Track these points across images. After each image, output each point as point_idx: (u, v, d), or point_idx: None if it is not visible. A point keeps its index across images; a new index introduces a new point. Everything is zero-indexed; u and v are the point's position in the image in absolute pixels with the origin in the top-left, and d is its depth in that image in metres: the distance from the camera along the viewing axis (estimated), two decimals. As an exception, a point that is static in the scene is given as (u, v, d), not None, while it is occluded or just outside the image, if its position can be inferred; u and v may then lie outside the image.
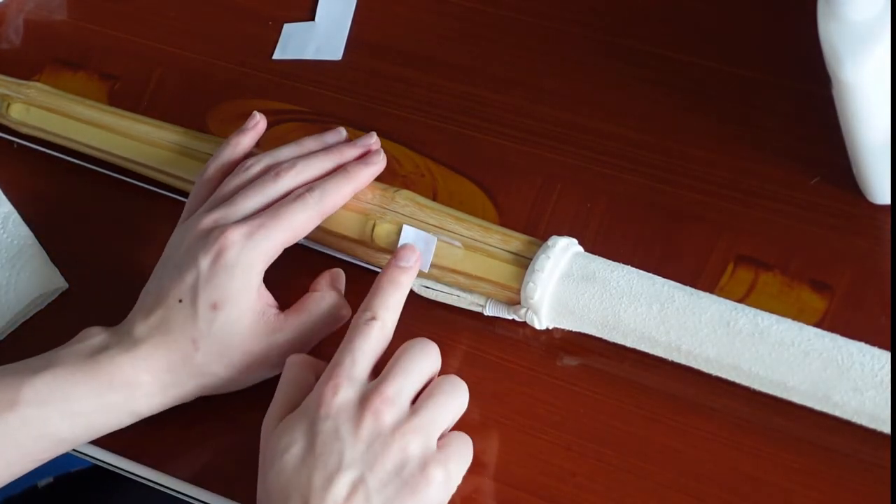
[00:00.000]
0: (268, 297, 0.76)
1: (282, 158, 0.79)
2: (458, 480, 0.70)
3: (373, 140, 0.81)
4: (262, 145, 0.83)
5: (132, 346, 0.74)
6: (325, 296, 0.77)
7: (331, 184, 0.77)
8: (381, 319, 0.71)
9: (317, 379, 0.71)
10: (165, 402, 0.75)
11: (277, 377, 0.76)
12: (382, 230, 0.77)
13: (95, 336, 0.76)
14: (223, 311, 0.74)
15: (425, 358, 0.71)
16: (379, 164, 0.79)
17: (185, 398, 0.76)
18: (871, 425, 0.66)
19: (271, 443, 0.69)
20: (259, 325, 0.75)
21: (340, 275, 0.79)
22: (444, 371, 0.74)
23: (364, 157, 0.80)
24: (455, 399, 0.71)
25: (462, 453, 0.71)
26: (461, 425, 0.72)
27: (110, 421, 0.75)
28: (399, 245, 0.76)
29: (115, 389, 0.74)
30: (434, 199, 0.81)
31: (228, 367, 0.75)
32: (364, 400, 0.68)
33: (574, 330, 0.74)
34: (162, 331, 0.74)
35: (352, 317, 0.76)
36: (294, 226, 0.75)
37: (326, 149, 0.80)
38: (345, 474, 0.66)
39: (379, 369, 0.71)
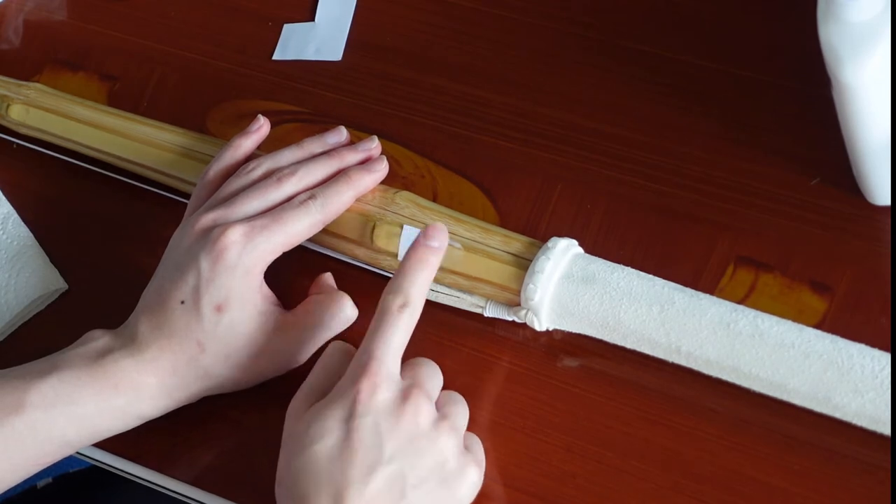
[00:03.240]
0: (271, 297, 0.76)
1: (283, 163, 0.79)
2: (480, 485, 0.71)
3: (374, 145, 0.81)
4: (262, 146, 0.83)
5: (137, 350, 0.74)
6: (332, 296, 0.77)
7: (332, 190, 0.77)
8: (411, 305, 0.69)
9: None
10: (171, 404, 0.75)
11: (280, 377, 0.77)
12: (382, 231, 0.77)
13: (99, 339, 0.76)
14: (228, 313, 0.74)
15: (437, 371, 0.72)
16: (381, 171, 0.79)
17: (190, 399, 0.76)
18: (872, 427, 0.66)
19: (299, 429, 0.69)
20: (267, 325, 0.75)
21: (331, 277, 0.79)
22: (444, 371, 0.74)
23: (366, 162, 0.80)
24: (466, 410, 0.72)
25: (483, 457, 0.72)
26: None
27: (116, 424, 0.75)
28: (401, 243, 0.76)
29: (121, 393, 0.74)
30: (434, 200, 0.81)
31: (235, 367, 0.75)
32: (405, 396, 0.68)
33: (574, 331, 0.74)
34: (166, 333, 0.74)
35: (358, 319, 0.76)
36: (295, 231, 0.75)
37: (328, 152, 0.80)
38: (384, 469, 0.66)
39: None
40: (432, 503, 0.67)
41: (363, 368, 0.68)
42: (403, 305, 0.69)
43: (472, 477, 0.69)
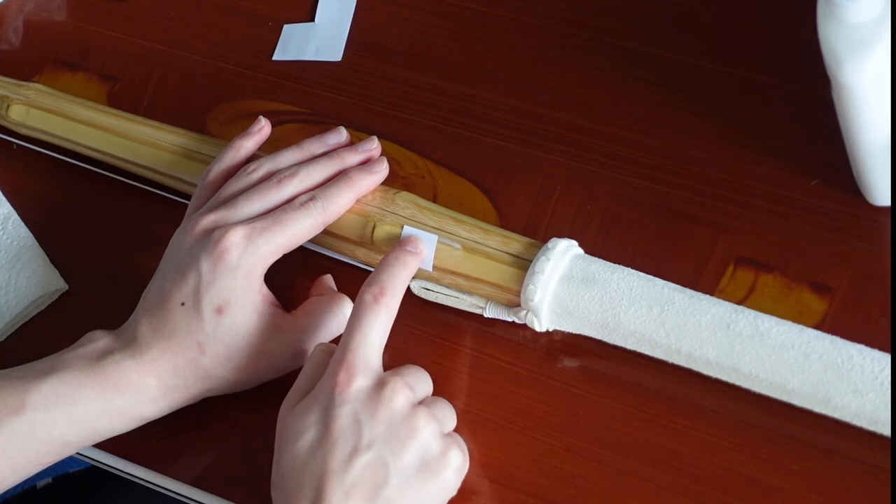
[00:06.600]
0: (271, 298, 0.76)
1: (284, 164, 0.79)
2: (466, 471, 0.71)
3: (374, 145, 0.81)
4: (263, 147, 0.83)
5: (137, 351, 0.74)
6: (332, 298, 0.78)
7: (333, 192, 0.77)
8: (387, 296, 0.71)
9: None
10: (171, 405, 0.75)
11: (281, 378, 0.76)
12: (382, 232, 0.77)
13: (99, 340, 0.76)
14: (228, 315, 0.74)
15: (424, 374, 0.72)
16: (381, 172, 0.79)
17: (190, 401, 0.76)
18: (872, 428, 0.66)
19: (285, 427, 0.70)
20: (266, 326, 0.75)
21: (331, 278, 0.80)
22: (444, 371, 0.74)
23: (366, 163, 0.80)
24: (453, 415, 0.72)
25: (466, 448, 0.71)
26: (461, 425, 0.73)
27: (116, 425, 0.75)
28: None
29: (121, 394, 0.74)
30: (434, 200, 0.81)
31: (235, 369, 0.75)
32: (382, 383, 0.69)
33: (574, 332, 0.74)
34: (166, 335, 0.74)
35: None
36: (296, 232, 0.75)
37: (328, 153, 0.80)
38: (364, 456, 0.67)
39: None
40: (416, 488, 0.67)
41: (340, 361, 0.69)
42: (379, 295, 0.70)
43: (456, 461, 0.69)
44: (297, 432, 0.68)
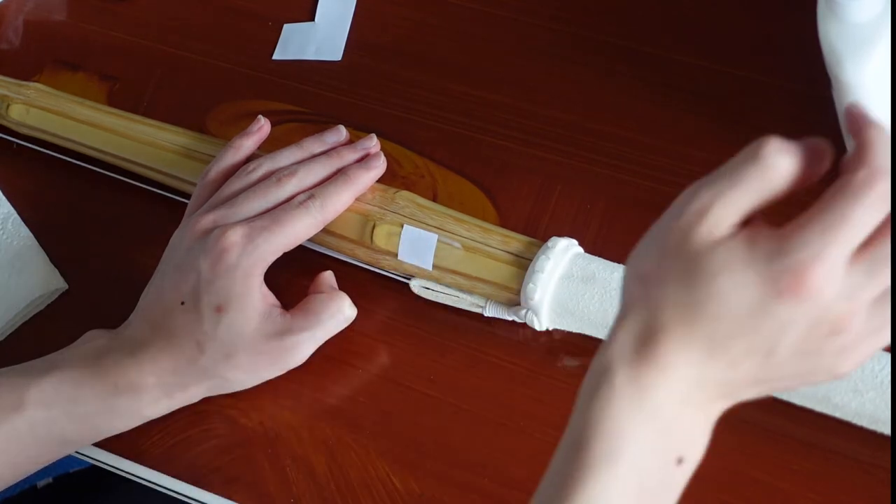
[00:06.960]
0: (271, 298, 0.76)
1: (283, 163, 0.79)
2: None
3: (373, 143, 0.81)
4: (263, 146, 0.83)
5: (136, 350, 0.74)
6: (331, 296, 0.77)
7: (332, 190, 0.77)
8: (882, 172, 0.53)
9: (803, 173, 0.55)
10: (171, 404, 0.75)
11: (280, 377, 0.76)
12: (382, 231, 0.77)
13: (99, 339, 0.76)
14: (228, 314, 0.74)
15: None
16: (379, 168, 0.79)
17: (190, 400, 0.76)
18: (872, 427, 0.66)
19: (705, 256, 0.53)
20: (266, 326, 0.75)
21: (332, 276, 0.79)
22: (444, 371, 0.73)
23: (364, 160, 0.80)
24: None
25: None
26: (459, 424, 0.72)
27: (115, 423, 0.75)
28: (401, 243, 0.76)
29: (121, 393, 0.74)
30: (434, 199, 0.81)
31: (234, 368, 0.75)
32: (841, 321, 0.53)
33: (574, 331, 0.74)
34: (165, 334, 0.74)
35: (358, 318, 0.76)
36: (295, 231, 0.75)
37: (327, 152, 0.80)
38: (785, 344, 0.53)
39: None
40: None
41: (821, 240, 0.52)
42: (869, 174, 0.53)
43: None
44: (730, 286, 0.53)
